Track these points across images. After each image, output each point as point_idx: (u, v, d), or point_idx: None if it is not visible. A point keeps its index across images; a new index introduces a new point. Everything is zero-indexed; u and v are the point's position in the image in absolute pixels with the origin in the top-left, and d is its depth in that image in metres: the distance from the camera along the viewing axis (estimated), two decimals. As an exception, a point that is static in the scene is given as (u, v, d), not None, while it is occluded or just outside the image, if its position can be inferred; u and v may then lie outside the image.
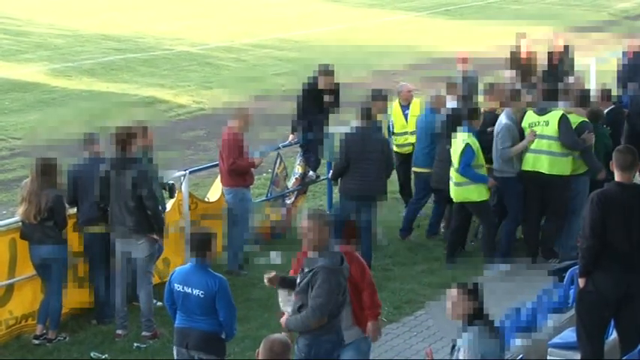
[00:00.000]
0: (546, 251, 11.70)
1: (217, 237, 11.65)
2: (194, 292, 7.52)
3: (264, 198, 12.83)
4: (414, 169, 12.86)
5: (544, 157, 11.39)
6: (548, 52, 16.88)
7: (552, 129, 11.31)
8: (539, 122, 11.44)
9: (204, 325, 7.52)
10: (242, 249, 11.43)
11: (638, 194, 7.76)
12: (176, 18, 34.71)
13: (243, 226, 11.40)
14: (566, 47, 17.40)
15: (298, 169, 13.16)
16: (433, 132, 12.26)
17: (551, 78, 15.45)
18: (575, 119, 11.48)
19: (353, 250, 7.55)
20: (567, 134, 11.29)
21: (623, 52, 17.52)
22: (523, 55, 16.98)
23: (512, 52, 17.17)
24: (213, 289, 7.50)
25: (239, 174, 11.31)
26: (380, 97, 12.33)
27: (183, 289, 7.55)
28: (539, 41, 18.28)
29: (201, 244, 7.66)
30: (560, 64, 16.63)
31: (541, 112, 11.53)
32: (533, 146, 11.43)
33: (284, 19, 35.12)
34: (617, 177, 7.77)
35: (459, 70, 15.93)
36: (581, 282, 7.80)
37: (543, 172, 11.40)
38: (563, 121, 11.28)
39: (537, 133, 11.40)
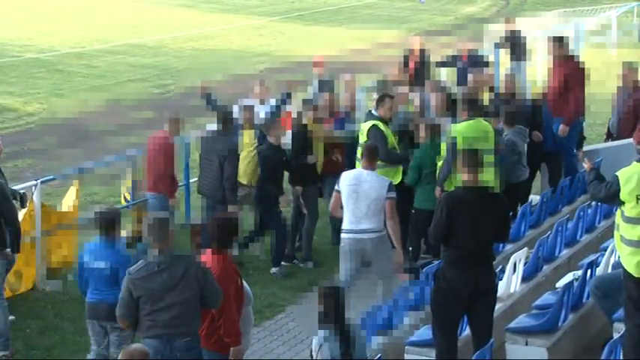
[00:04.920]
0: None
1: (69, 247, 11.54)
2: (100, 267, 8.18)
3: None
4: None
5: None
6: (404, 56, 16.93)
7: (364, 138, 11.31)
8: (360, 130, 11.53)
9: (111, 297, 7.84)
10: None
11: (484, 195, 8.08)
12: (23, 24, 33.73)
13: None
14: (422, 51, 17.45)
15: None
16: None
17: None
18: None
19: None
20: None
21: (457, 56, 17.58)
22: (416, 60, 16.87)
23: (405, 57, 17.07)
24: (117, 264, 8.07)
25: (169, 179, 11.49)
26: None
27: (91, 265, 8.21)
28: (393, 45, 18.45)
29: (106, 222, 8.22)
30: (421, 67, 16.63)
31: (366, 119, 11.60)
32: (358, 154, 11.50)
33: (137, 25, 34.63)
34: (463, 178, 7.99)
35: (314, 74, 16.01)
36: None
37: None
38: (371, 131, 11.25)
39: (362, 141, 11.33)
